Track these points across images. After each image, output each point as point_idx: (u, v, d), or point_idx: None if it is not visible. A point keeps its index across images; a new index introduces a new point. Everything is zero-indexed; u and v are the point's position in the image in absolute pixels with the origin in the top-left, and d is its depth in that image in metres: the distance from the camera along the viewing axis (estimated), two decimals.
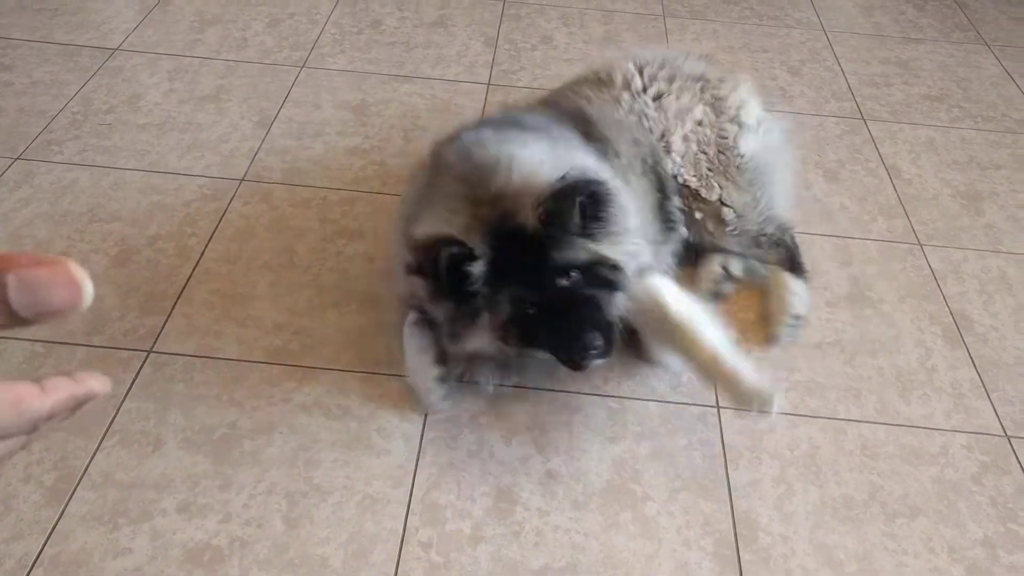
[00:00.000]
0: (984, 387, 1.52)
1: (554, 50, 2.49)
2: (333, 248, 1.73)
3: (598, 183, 1.27)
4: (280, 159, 1.97)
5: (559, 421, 1.41)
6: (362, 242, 1.75)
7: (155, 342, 1.49)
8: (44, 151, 1.93)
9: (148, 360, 1.45)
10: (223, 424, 1.36)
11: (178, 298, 1.57)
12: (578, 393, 1.46)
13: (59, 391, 0.43)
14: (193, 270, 1.64)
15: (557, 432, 1.39)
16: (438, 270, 1.21)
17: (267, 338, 1.52)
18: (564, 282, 1.25)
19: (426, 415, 1.40)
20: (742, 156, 1.63)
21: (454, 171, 1.34)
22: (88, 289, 0.40)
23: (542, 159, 1.33)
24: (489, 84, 2.30)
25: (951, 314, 1.67)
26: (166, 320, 1.53)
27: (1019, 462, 1.39)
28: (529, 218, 1.22)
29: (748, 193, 1.63)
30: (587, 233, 1.25)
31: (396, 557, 1.20)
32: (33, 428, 0.42)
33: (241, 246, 1.71)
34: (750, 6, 2.81)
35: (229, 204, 1.82)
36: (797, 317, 1.58)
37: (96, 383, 0.45)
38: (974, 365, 1.57)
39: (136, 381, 1.41)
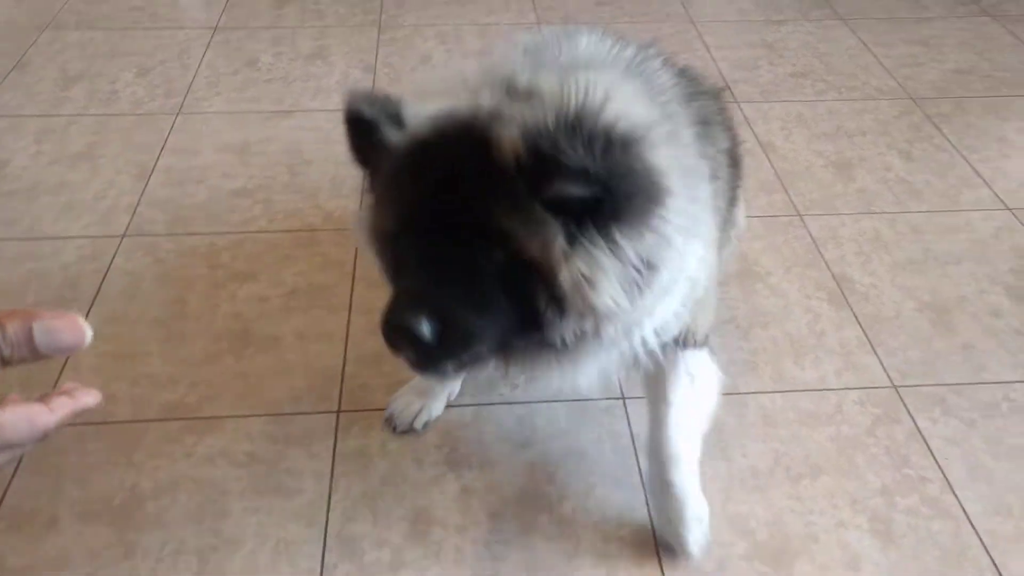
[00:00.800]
0: (870, 343, 1.60)
1: (434, 69, 2.50)
2: (225, 293, 1.69)
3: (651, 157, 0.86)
4: (162, 210, 1.92)
5: (468, 435, 1.41)
6: (255, 283, 1.71)
7: None
8: None
9: None
10: (122, 489, 1.31)
11: (63, 367, 1.51)
12: (485, 404, 1.46)
13: (63, 408, 0.58)
14: None
15: (467, 447, 1.39)
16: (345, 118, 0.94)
17: (162, 394, 1.47)
18: (481, 257, 0.87)
19: (335, 450, 1.38)
20: None
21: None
22: (89, 334, 0.57)
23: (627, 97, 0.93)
24: None
25: (834, 278, 1.75)
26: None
27: (907, 409, 1.46)
28: (504, 131, 0.84)
29: None
30: (596, 223, 0.85)
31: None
32: (43, 437, 0.57)
33: (127, 304, 1.66)
34: (620, 6, 2.89)
35: (111, 262, 1.76)
36: None
37: (90, 398, 0.61)
38: (859, 323, 1.64)
39: (23, 457, 1.35)
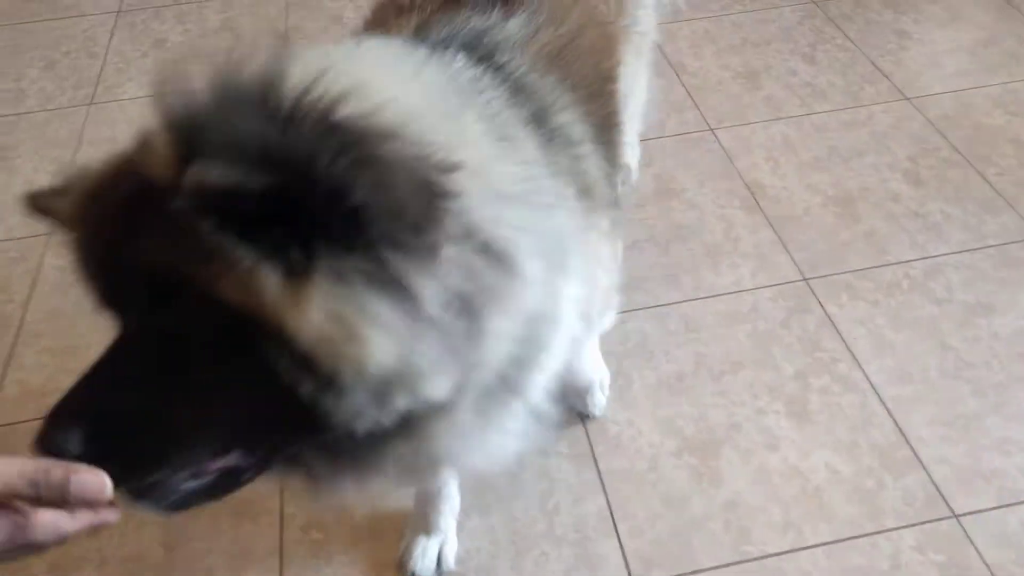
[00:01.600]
0: (781, 241, 1.68)
1: (344, 28, 2.49)
2: None
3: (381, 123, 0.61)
4: None
5: None
6: None
7: None
8: None
9: None
10: None
11: (7, 367, 1.54)
12: None
13: (84, 519, 0.64)
14: (16, 336, 1.61)
15: None
16: None
17: None
18: (164, 316, 0.63)
19: None
20: None
21: None
22: (110, 491, 0.63)
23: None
24: None
25: (746, 185, 1.82)
26: None
27: (817, 299, 1.56)
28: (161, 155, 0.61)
29: None
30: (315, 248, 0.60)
31: (279, 546, 1.26)
32: (63, 542, 0.64)
33: (63, 299, 1.68)
34: None
35: (42, 261, 1.78)
36: None
37: (111, 515, 0.66)
38: (771, 225, 1.72)
39: None
